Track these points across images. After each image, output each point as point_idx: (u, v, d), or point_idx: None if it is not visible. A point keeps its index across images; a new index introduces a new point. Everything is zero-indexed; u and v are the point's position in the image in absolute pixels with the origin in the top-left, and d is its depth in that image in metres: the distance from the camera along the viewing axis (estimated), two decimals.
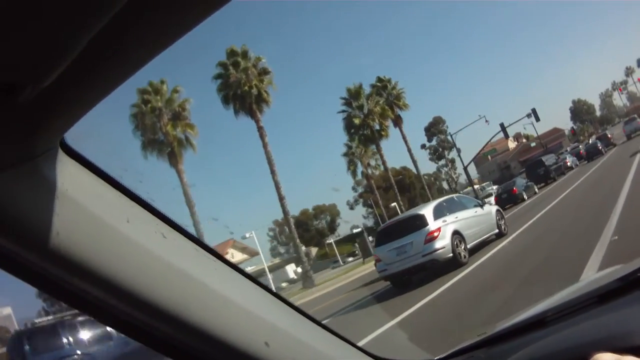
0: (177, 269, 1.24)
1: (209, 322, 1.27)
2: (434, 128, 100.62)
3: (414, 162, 67.54)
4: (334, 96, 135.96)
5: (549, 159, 52.90)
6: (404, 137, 65.87)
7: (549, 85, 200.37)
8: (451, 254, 16.24)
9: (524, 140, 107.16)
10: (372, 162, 67.90)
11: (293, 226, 48.44)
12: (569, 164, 56.74)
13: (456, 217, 17.51)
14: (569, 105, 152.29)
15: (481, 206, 19.82)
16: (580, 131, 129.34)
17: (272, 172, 44.30)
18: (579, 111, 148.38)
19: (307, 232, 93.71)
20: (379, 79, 66.99)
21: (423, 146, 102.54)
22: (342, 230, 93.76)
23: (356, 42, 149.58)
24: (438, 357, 2.08)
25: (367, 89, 64.39)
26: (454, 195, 21.22)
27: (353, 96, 61.23)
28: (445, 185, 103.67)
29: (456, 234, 16.82)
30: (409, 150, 65.99)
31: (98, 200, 1.14)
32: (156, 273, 1.20)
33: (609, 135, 64.34)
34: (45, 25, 0.76)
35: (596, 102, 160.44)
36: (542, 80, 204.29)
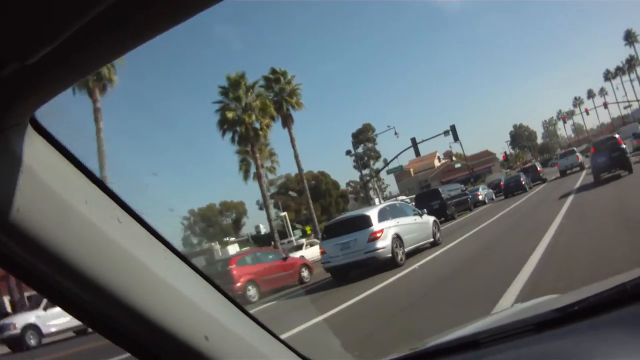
0: (128, 254, 1.35)
1: (153, 310, 1.38)
2: (362, 135, 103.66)
3: (300, 170, 63.33)
4: None
5: (451, 190, 46.42)
6: (292, 140, 61.34)
7: (492, 108, 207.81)
8: (390, 255, 19.61)
9: (453, 159, 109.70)
10: (269, 164, 62.65)
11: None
12: (480, 197, 53.84)
13: (397, 222, 20.95)
14: (510, 129, 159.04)
15: (420, 215, 23.36)
16: (514, 158, 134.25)
17: None
18: (519, 137, 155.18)
19: (210, 227, 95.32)
20: (273, 71, 62.07)
21: (348, 152, 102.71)
22: (247, 230, 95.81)
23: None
24: None
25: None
26: (396, 202, 24.57)
27: (232, 86, 55.16)
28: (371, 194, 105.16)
29: (396, 237, 20.23)
30: (296, 156, 61.62)
31: (61, 179, 1.23)
32: (107, 256, 1.30)
33: (538, 169, 62.37)
34: (38, 6, 0.86)
35: (539, 130, 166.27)
36: (486, 101, 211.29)
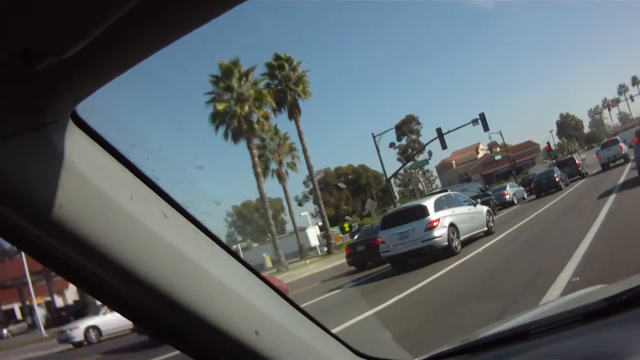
0: (176, 249, 1.36)
1: (202, 306, 1.39)
2: (405, 127, 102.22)
3: (309, 165, 57.09)
4: None
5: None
6: (299, 132, 55.86)
7: (536, 96, 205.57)
8: (447, 243, 20.41)
9: (497, 150, 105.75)
10: (289, 159, 61.02)
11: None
12: (507, 197, 47.34)
13: (453, 212, 21.71)
14: (556, 118, 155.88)
15: (474, 205, 24.15)
16: (560, 148, 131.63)
17: None
18: (566, 126, 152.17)
19: (247, 224, 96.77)
20: (276, 57, 56.56)
21: (392, 145, 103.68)
22: (288, 226, 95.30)
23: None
24: (418, 359, 2.24)
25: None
26: (450, 192, 25.11)
27: (224, 74, 49.68)
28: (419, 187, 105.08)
29: (452, 226, 21.01)
30: (304, 150, 56.16)
31: (104, 175, 1.24)
32: (155, 252, 1.32)
33: (577, 161, 52.29)
34: None
35: (585, 119, 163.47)
36: (530, 90, 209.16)
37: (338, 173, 74.44)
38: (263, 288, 1.66)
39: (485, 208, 25.19)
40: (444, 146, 51.78)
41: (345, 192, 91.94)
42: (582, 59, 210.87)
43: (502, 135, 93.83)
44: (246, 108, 49.41)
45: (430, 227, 20.53)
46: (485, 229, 24.07)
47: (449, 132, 52.53)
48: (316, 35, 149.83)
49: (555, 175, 44.73)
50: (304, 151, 56.64)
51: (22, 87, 1.02)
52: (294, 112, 55.93)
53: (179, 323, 1.43)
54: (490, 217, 24.95)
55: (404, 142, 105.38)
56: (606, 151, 50.03)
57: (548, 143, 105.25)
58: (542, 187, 44.98)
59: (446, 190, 25.72)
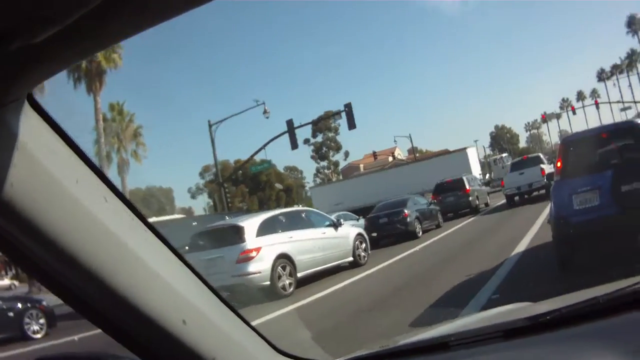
0: (113, 234, 1.42)
1: (133, 291, 1.46)
2: (323, 123, 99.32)
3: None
4: None
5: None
6: (96, 110, 45.64)
7: (473, 105, 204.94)
8: (268, 282, 15.86)
9: (397, 156, 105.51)
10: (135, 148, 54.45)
11: None
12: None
13: (290, 237, 17.35)
14: (490, 129, 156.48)
15: (335, 226, 19.83)
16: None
17: None
18: (500, 138, 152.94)
19: None
20: None
21: (306, 141, 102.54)
22: None
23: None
24: None
25: None
26: (302, 209, 21.07)
27: None
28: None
29: (283, 257, 16.58)
30: (97, 121, 45.56)
31: (54, 158, 1.30)
32: (93, 236, 1.37)
33: (466, 186, 35.98)
34: None
35: (523, 134, 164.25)
36: (466, 98, 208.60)
37: (238, 167, 71.29)
38: (192, 278, 1.71)
39: (354, 231, 20.95)
40: (294, 145, 45.35)
41: (242, 189, 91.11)
42: (525, 69, 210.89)
43: (411, 140, 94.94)
44: None
45: (245, 257, 15.90)
46: (351, 259, 19.87)
47: (301, 125, 47.56)
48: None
49: (406, 212, 28.25)
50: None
51: None
52: (92, 83, 45.31)
53: (111, 308, 1.49)
54: (361, 244, 20.78)
55: (319, 139, 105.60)
56: (516, 175, 34.41)
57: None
58: (379, 234, 27.76)
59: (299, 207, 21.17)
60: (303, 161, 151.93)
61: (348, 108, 43.02)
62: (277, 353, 2.05)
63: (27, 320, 17.81)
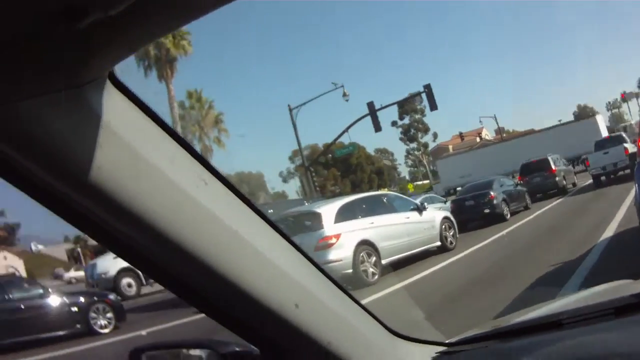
0: (216, 217, 1.36)
1: (243, 275, 1.42)
2: (408, 105, 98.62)
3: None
4: None
5: None
6: (169, 94, 46.65)
7: (553, 86, 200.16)
8: (351, 270, 15.18)
9: (483, 137, 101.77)
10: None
11: None
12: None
13: (371, 223, 16.72)
14: (573, 109, 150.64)
15: (420, 210, 19.11)
16: None
17: None
18: (583, 117, 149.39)
19: None
20: None
21: (394, 123, 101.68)
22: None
23: None
24: (450, 341, 2.22)
25: None
26: (383, 193, 20.37)
27: None
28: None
29: (365, 244, 15.91)
30: (172, 108, 46.03)
31: (143, 138, 1.25)
32: (195, 219, 1.32)
33: (552, 166, 34.04)
34: None
35: (604, 113, 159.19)
36: (546, 77, 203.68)
37: (327, 151, 71.41)
38: (302, 260, 1.67)
39: (440, 215, 20.18)
40: (377, 128, 44.32)
41: (334, 172, 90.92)
42: (606, 46, 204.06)
43: (496, 120, 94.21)
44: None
45: (324, 245, 15.30)
46: (438, 243, 19.05)
47: (382, 107, 45.60)
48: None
49: (493, 194, 27.32)
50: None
51: (62, 45, 1.02)
52: (164, 70, 46.28)
53: (219, 293, 1.47)
54: (449, 228, 20.05)
55: (406, 121, 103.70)
56: (601, 155, 32.74)
57: None
58: (465, 213, 26.77)
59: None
60: (393, 143, 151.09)
61: (428, 89, 42.54)
62: (392, 335, 1.99)
63: (92, 314, 17.58)
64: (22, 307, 16.93)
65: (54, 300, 17.64)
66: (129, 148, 1.21)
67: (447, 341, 2.22)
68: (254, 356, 1.76)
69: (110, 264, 27.77)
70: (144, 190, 1.23)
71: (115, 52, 1.14)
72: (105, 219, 1.27)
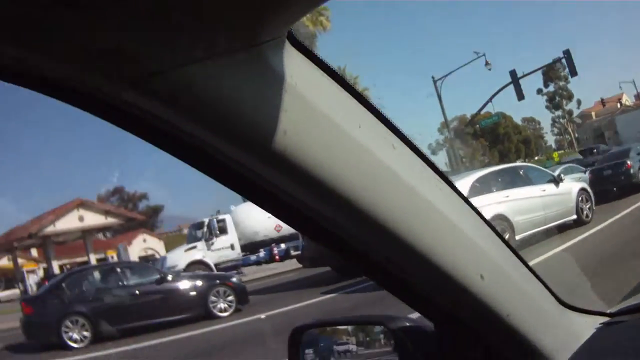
0: (404, 182, 1.32)
1: (429, 244, 1.36)
2: (552, 73, 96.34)
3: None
4: None
5: None
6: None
7: None
8: None
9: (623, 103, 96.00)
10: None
11: None
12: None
13: (506, 196, 16.29)
14: None
15: (556, 182, 18.57)
16: None
17: None
18: None
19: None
20: None
21: (539, 91, 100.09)
22: None
23: None
24: (611, 311, 2.12)
25: None
26: (518, 165, 20.18)
27: None
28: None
29: (499, 219, 15.31)
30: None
31: (328, 101, 1.19)
32: (382, 183, 1.28)
33: (627, 162, 26.62)
34: None
35: None
36: None
37: (474, 121, 70.49)
38: (487, 230, 1.62)
39: (577, 186, 19.47)
40: (520, 96, 43.60)
41: (482, 142, 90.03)
42: None
43: (635, 85, 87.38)
44: None
45: None
46: (574, 217, 18.34)
47: (524, 75, 44.58)
48: None
49: (629, 162, 26.29)
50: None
51: (242, 2, 0.98)
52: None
53: (402, 263, 1.44)
54: (586, 200, 19.34)
55: (551, 88, 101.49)
56: None
57: None
58: (602, 184, 25.33)
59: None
60: (539, 112, 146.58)
61: (567, 55, 41.60)
62: (563, 306, 1.90)
63: (212, 298, 17.76)
64: (140, 292, 17.53)
65: (174, 284, 18.20)
66: (315, 112, 1.16)
67: (608, 311, 2.12)
68: (426, 332, 1.75)
69: (180, 257, 29.16)
70: (334, 158, 1.18)
71: (293, 8, 1.08)
72: (287, 190, 1.24)
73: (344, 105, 1.25)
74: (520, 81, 43.54)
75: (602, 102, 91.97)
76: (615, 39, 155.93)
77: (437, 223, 1.42)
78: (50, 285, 19.25)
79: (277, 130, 1.09)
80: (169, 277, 18.49)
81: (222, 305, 17.90)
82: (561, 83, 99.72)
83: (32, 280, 46.16)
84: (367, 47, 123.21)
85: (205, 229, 33.20)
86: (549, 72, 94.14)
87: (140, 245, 59.07)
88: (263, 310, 16.46)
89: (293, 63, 1.13)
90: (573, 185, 19.52)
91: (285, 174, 1.17)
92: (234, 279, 19.20)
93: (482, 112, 55.03)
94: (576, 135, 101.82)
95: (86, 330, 16.27)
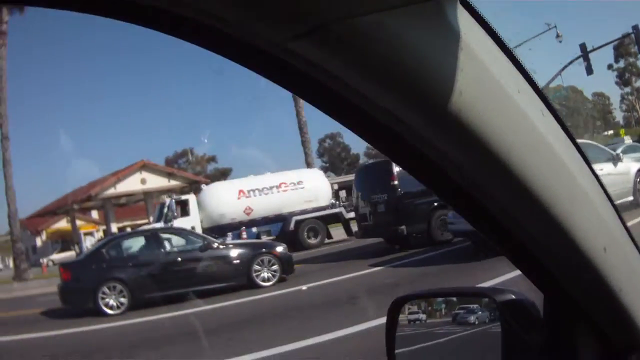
0: (553, 151, 1.32)
1: (562, 210, 1.35)
2: (623, 48, 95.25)
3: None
4: None
5: None
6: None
7: None
8: None
9: None
10: None
11: None
12: None
13: None
14: None
15: (615, 161, 18.21)
16: None
17: None
18: None
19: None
20: None
21: (610, 66, 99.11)
22: None
23: None
24: None
25: None
26: (578, 142, 19.45)
27: None
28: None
29: None
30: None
31: (497, 64, 1.18)
32: (533, 151, 1.27)
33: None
34: None
35: None
36: None
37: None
38: (609, 202, 1.57)
39: (635, 167, 18.88)
40: (589, 71, 42.67)
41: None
42: None
43: None
44: None
45: None
46: (631, 198, 17.87)
47: (594, 49, 43.51)
48: None
49: None
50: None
51: None
52: None
53: (535, 231, 1.40)
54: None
55: (622, 64, 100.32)
56: None
57: None
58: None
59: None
60: (610, 87, 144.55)
61: (636, 31, 40.53)
62: None
63: (256, 267, 17.59)
64: (183, 259, 17.51)
65: (218, 251, 18.03)
66: (487, 75, 1.14)
67: None
68: (532, 305, 1.71)
69: None
70: (496, 119, 1.17)
71: None
72: (451, 156, 1.21)
73: (509, 71, 1.25)
74: (592, 56, 42.75)
75: None
76: None
77: (576, 191, 1.41)
78: (91, 251, 19.27)
79: (454, 90, 1.06)
80: (214, 245, 18.30)
81: (265, 274, 17.69)
82: (631, 59, 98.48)
83: (89, 243, 46.24)
84: None
85: (165, 209, 32.90)
86: (620, 48, 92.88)
87: None
88: (307, 282, 16.40)
89: (469, 23, 1.11)
90: (632, 165, 19.08)
91: (450, 134, 1.15)
92: (280, 248, 18.75)
93: (552, 85, 53.97)
94: None
95: (123, 297, 16.23)
